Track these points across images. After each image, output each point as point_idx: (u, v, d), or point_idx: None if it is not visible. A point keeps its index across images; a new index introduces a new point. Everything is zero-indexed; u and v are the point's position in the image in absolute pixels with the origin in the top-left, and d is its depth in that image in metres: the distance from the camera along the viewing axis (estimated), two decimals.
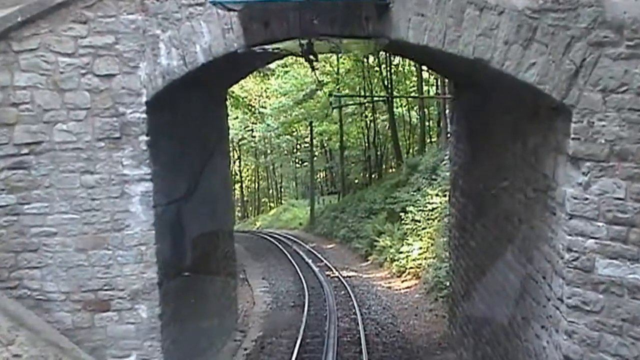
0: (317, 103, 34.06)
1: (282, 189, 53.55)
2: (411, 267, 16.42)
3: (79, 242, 6.59)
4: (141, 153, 6.55)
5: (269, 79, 36.22)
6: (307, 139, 37.74)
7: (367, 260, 20.45)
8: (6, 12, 6.46)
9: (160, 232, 6.78)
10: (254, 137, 45.57)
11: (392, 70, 29.90)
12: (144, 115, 6.51)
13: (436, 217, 17.03)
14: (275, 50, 7.27)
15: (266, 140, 45.99)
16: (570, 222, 5.07)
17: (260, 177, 53.80)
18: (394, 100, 30.35)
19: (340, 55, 30.22)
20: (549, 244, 5.50)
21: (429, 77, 31.32)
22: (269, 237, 27.23)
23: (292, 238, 27.06)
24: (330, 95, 27.95)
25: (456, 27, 5.47)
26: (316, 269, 18.23)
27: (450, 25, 5.49)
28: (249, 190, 54.15)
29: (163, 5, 6.26)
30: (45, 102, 6.45)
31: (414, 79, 30.73)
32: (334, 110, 32.45)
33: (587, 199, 4.99)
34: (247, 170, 53.52)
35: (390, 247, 18.80)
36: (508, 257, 6.79)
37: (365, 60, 30.61)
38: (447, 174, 15.51)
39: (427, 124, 30.68)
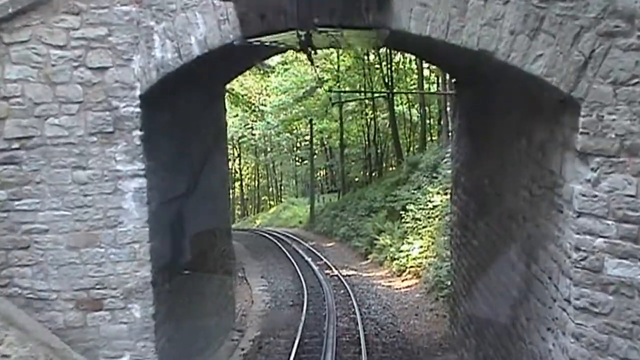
0: (317, 101, 33.92)
1: (282, 187, 53.44)
2: (411, 266, 16.28)
3: (70, 239, 6.43)
4: (135, 148, 6.38)
5: (269, 77, 36.07)
6: (307, 137, 37.61)
7: (367, 259, 20.32)
8: None
9: (154, 230, 6.61)
10: (254, 135, 45.44)
11: (393, 68, 29.75)
12: (138, 110, 6.34)
13: (437, 216, 16.88)
14: (273, 44, 7.09)
15: (266, 138, 45.85)
16: (578, 220, 4.88)
17: (260, 175, 53.69)
18: (395, 98, 30.21)
19: (340, 50, 30.21)
20: (555, 243, 5.31)
21: (430, 74, 31.21)
22: (268, 235, 27.15)
23: (292, 236, 26.95)
24: (329, 90, 27.75)
25: (460, 17, 5.28)
26: (315, 268, 18.12)
27: (453, 15, 5.30)
28: (249, 188, 54.06)
29: None
30: (36, 95, 6.28)
31: (415, 76, 30.60)
32: (334, 108, 32.33)
33: (596, 196, 4.80)
34: (247, 168, 53.40)
35: (391, 245, 18.66)
36: (512, 257, 6.61)
37: (365, 57, 30.48)
38: (448, 171, 15.35)
39: (427, 121, 30.56)
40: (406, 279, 16.13)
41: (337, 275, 16.94)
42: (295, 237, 26.44)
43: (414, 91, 29.75)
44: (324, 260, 19.84)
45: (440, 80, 26.79)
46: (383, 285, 15.91)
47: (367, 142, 34.87)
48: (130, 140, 6.36)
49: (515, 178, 6.56)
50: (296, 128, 41.72)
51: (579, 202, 4.87)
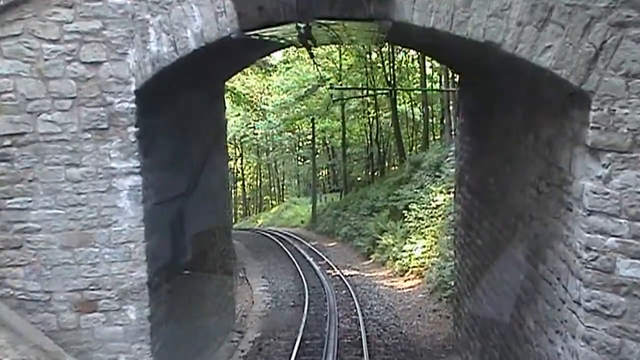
0: (320, 99, 33.75)
1: (284, 187, 53.33)
2: (414, 266, 16.11)
3: (64, 239, 6.24)
4: (130, 145, 6.20)
5: (270, 76, 35.92)
6: (309, 136, 37.47)
7: (369, 259, 20.17)
8: None
9: (150, 229, 6.44)
10: (256, 134, 45.31)
11: (395, 67, 29.57)
12: (133, 105, 6.16)
13: (440, 215, 16.70)
14: (273, 39, 6.92)
15: (268, 138, 45.70)
16: (589, 218, 4.67)
17: (262, 175, 53.57)
18: (397, 97, 30.06)
19: (342, 49, 30.04)
20: (564, 243, 5.11)
21: (432, 73, 31.03)
22: (270, 235, 27.05)
23: (294, 236, 26.83)
24: (330, 87, 27.57)
25: (465, 7, 5.08)
26: (317, 268, 17.98)
27: (458, 5, 5.10)
28: (251, 188, 53.96)
29: None
30: (28, 91, 6.09)
31: (418, 75, 30.43)
32: (337, 107, 32.17)
33: (607, 193, 4.60)
34: (249, 167, 53.30)
35: (393, 245, 18.50)
36: (518, 257, 6.41)
37: (367, 56, 30.32)
38: (452, 170, 15.18)
39: (430, 120, 30.40)
40: (409, 279, 15.96)
41: (339, 275, 16.80)
42: (297, 237, 26.31)
43: (416, 88, 29.57)
44: (326, 260, 19.70)
45: (442, 79, 26.62)
46: (385, 286, 15.74)
47: (369, 141, 34.73)
48: (125, 136, 6.18)
49: (521, 175, 6.36)
50: (298, 127, 41.57)
51: (590, 200, 4.66)
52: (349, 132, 35.49)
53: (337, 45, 28.01)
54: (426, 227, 17.10)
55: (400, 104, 31.83)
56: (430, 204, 17.75)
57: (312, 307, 13.05)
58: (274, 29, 5.87)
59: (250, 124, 43.32)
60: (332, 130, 36.83)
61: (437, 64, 28.10)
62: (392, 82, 29.00)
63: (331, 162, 41.84)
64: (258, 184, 53.37)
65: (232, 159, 46.44)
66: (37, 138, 6.14)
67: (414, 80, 31.40)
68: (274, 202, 50.42)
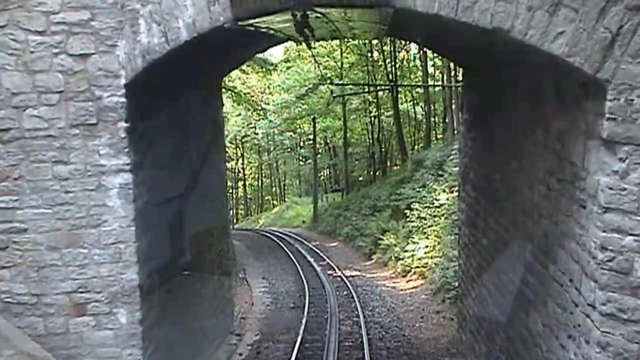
0: (321, 98, 33.51)
1: (285, 187, 53.11)
2: (417, 267, 15.83)
3: (51, 239, 5.99)
4: (120, 141, 5.93)
5: (271, 75, 35.67)
6: (311, 136, 37.22)
7: (371, 259, 19.91)
8: None
9: (142, 229, 6.18)
10: (257, 134, 45.09)
11: (397, 65, 29.30)
12: (123, 99, 5.90)
13: (443, 214, 16.42)
14: (269, 31, 6.64)
15: (269, 137, 45.46)
16: (605, 216, 4.37)
17: (263, 175, 53.35)
18: (399, 96, 29.80)
19: (343, 47, 29.75)
20: (577, 242, 4.81)
21: (435, 71, 30.75)
22: (271, 235, 26.84)
23: (295, 236, 26.61)
24: (331, 83, 27.32)
25: None
26: (318, 268, 17.75)
27: None
28: (252, 188, 53.72)
29: None
30: (14, 85, 5.84)
31: (419, 73, 30.17)
32: (338, 106, 31.92)
33: (624, 189, 4.30)
34: (250, 167, 53.08)
35: (395, 245, 18.23)
36: (526, 257, 6.12)
37: (369, 54, 30.07)
38: (454, 169, 14.90)
39: (432, 119, 30.14)
40: (411, 280, 15.68)
41: (340, 276, 16.54)
42: (298, 237, 26.08)
43: (418, 84, 29.30)
44: (327, 260, 19.46)
45: (444, 77, 26.34)
46: (387, 287, 15.47)
47: (371, 141, 34.49)
48: (114, 132, 5.92)
49: (530, 172, 6.07)
50: (299, 127, 41.32)
51: (606, 196, 4.36)
52: (351, 131, 35.24)
53: (338, 43, 27.75)
54: (429, 226, 16.83)
55: (402, 103, 31.57)
56: (433, 203, 17.49)
57: (313, 308, 12.81)
58: (269, 17, 5.58)
59: (251, 123, 43.10)
60: (334, 130, 36.61)
61: (439, 62, 27.84)
62: (394, 80, 28.74)
63: (332, 162, 41.58)
64: (259, 184, 53.15)
65: (233, 159, 46.30)
66: (23, 134, 5.90)
67: (416, 79, 31.15)
68: (275, 202, 50.19)
